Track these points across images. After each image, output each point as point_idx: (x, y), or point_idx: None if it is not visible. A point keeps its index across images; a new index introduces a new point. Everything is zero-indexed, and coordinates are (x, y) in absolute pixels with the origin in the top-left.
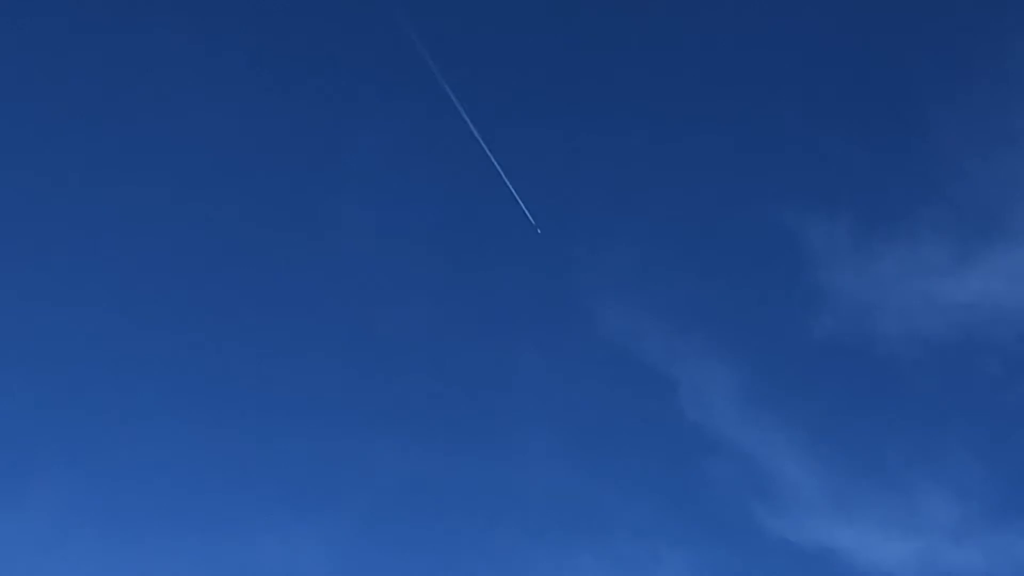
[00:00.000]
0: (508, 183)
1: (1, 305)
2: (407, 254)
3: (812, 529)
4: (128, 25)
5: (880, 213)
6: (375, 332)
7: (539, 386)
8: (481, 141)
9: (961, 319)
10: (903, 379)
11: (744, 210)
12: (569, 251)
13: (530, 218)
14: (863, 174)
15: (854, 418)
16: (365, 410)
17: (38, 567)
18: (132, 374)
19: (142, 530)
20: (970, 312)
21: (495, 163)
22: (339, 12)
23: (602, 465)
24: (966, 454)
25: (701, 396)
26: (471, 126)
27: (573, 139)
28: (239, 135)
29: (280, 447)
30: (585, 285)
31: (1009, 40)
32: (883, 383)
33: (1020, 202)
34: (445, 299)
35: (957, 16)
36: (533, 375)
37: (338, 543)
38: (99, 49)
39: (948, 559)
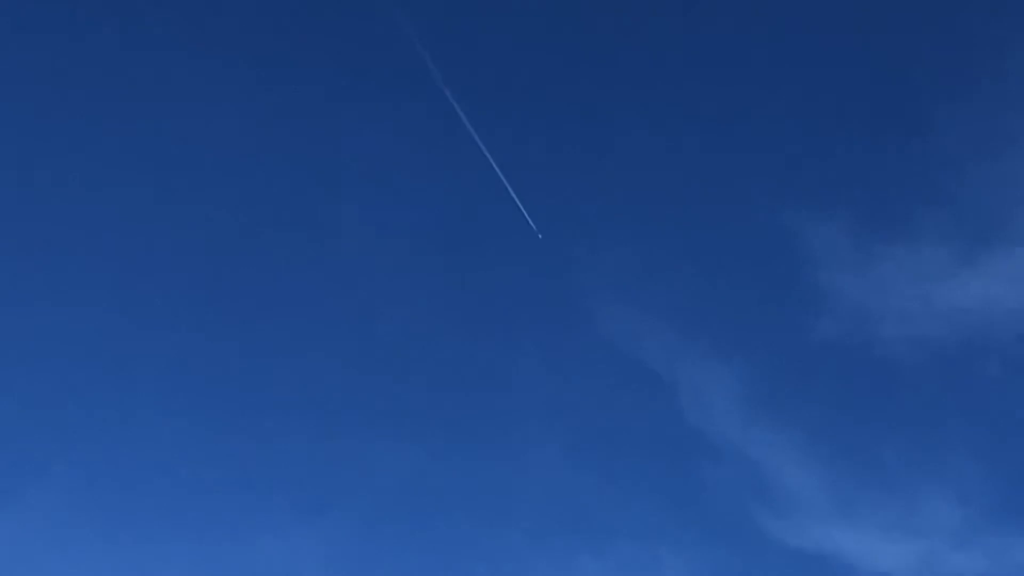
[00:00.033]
0: (508, 186)
1: (1, 305)
2: (407, 255)
3: (813, 532)
4: (127, 25)
5: (881, 215)
6: (375, 333)
7: (539, 388)
8: (480, 142)
9: (961, 322)
10: (903, 381)
11: (744, 212)
12: (570, 252)
13: (531, 223)
14: (864, 176)
15: (854, 421)
16: (365, 411)
17: (38, 568)
18: (132, 374)
19: (142, 530)
20: (970, 315)
21: (494, 165)
22: (338, 12)
23: (602, 467)
24: (967, 457)
25: (701, 398)
26: (470, 128)
27: (573, 140)
28: (238, 135)
29: (280, 448)
30: (585, 286)
31: (1010, 43)
32: (883, 385)
33: (1021, 205)
34: (445, 300)
35: (959, 19)
36: (533, 377)
37: (338, 544)
38: (99, 49)
39: (949, 562)
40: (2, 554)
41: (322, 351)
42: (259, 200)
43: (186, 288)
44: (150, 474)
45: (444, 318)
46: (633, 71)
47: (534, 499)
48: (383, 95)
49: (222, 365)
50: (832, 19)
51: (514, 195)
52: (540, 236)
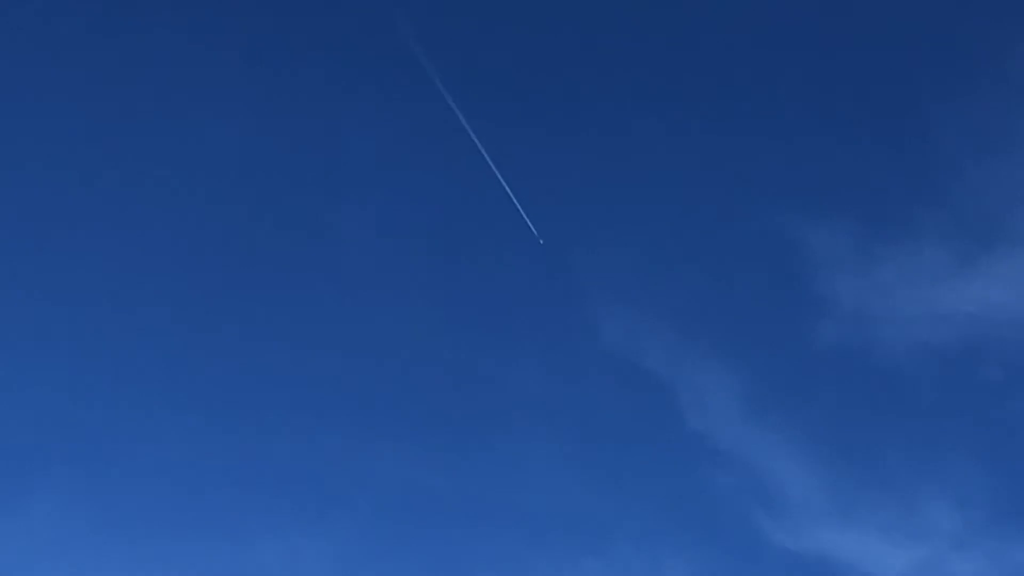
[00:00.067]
0: (508, 188)
1: (1, 305)
2: (408, 257)
3: (814, 536)
4: (127, 25)
5: (881, 218)
6: (376, 337)
7: (541, 391)
8: (480, 144)
9: (963, 325)
10: (905, 385)
11: (745, 215)
12: (571, 256)
13: (531, 226)
14: (864, 179)
15: (856, 424)
16: (366, 414)
17: (39, 569)
18: (133, 375)
19: (143, 531)
20: (972, 318)
21: (494, 168)
22: (338, 12)
23: (604, 470)
24: (968, 460)
25: (703, 402)
26: (469, 130)
27: (573, 141)
28: (237, 135)
29: (281, 450)
30: (586, 289)
31: (1010, 43)
32: (884, 389)
33: (1021, 205)
34: (446, 302)
35: (959, 20)
36: (535, 380)
37: (339, 546)
38: (98, 49)
39: (950, 565)
40: (3, 556)
41: (322, 352)
42: (258, 201)
43: (185, 288)
44: (151, 475)
45: (444, 319)
46: (634, 74)
47: (535, 502)
48: (383, 96)
49: (222, 365)
50: (832, 20)
51: (513, 198)
52: (541, 242)
